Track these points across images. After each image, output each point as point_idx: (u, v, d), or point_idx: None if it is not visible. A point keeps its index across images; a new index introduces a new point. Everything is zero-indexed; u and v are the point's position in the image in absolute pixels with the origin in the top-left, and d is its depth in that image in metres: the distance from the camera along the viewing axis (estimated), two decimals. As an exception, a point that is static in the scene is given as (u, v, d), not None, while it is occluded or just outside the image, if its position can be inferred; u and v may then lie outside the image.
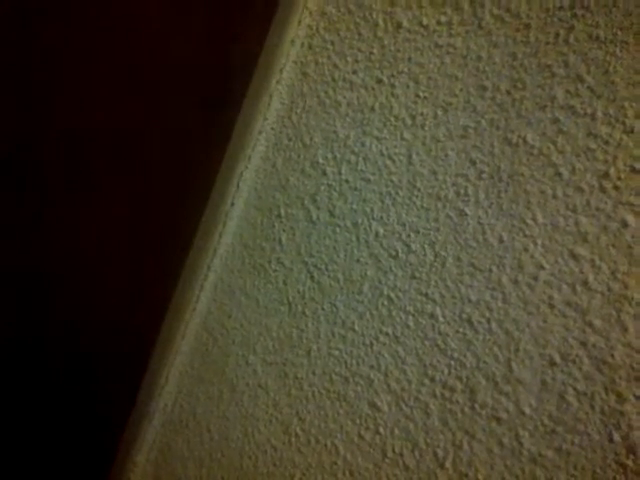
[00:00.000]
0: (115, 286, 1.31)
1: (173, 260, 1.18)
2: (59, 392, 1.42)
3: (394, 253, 0.88)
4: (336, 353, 0.93)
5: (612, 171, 0.69)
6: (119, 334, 1.30)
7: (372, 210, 0.90)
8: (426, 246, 0.85)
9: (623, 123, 0.69)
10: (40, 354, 1.46)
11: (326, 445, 0.93)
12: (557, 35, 0.74)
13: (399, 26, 0.89)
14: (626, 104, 0.69)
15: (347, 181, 0.93)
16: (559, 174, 0.73)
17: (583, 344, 0.71)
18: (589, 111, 0.72)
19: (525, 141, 0.76)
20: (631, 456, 0.67)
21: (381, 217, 0.89)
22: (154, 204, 1.24)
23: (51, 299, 1.43)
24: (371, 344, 0.89)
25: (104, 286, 1.33)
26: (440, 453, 0.82)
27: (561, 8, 0.74)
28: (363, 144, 0.92)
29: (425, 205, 0.85)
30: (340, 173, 0.94)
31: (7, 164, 1.52)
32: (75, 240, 1.38)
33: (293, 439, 0.97)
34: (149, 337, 1.20)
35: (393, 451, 0.86)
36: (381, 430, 0.87)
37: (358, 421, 0.90)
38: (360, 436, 0.90)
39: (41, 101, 1.47)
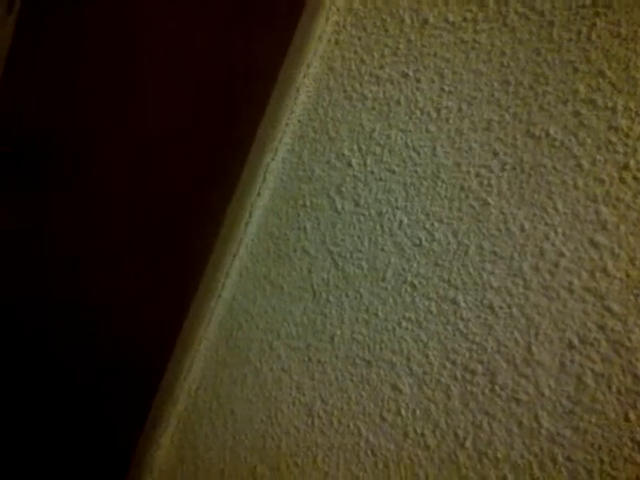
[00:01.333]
0: (143, 273, 1.35)
1: (200, 248, 1.21)
2: (82, 378, 1.47)
3: (418, 242, 0.91)
4: (359, 338, 0.97)
5: (632, 163, 0.72)
6: (145, 320, 1.34)
7: (396, 200, 0.94)
8: (449, 235, 0.88)
9: (643, 116, 0.72)
10: (62, 338, 1.50)
11: (349, 426, 0.97)
12: (580, 32, 0.78)
13: (425, 22, 0.92)
14: (646, 98, 0.72)
15: (372, 172, 0.97)
16: (580, 165, 0.76)
17: (601, 328, 0.74)
18: (610, 105, 0.75)
19: (547, 134, 0.79)
20: (647, 434, 0.70)
21: (405, 207, 0.93)
22: (182, 193, 1.28)
23: (76, 282, 1.48)
24: (394, 329, 0.93)
25: (132, 271, 1.37)
26: (460, 433, 0.85)
27: (584, 6, 0.77)
28: (388, 136, 0.95)
29: (449, 195, 0.88)
30: (365, 164, 0.98)
31: (16, 164, 1.57)
32: (97, 228, 1.43)
33: (316, 421, 1.01)
34: (175, 323, 1.24)
35: (415, 432, 0.89)
36: (403, 412, 0.91)
37: (380, 403, 0.93)
38: (382, 417, 0.93)
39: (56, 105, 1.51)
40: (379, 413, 0.93)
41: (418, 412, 0.89)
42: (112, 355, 1.41)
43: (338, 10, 1.03)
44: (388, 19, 0.96)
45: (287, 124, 1.08)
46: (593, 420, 0.74)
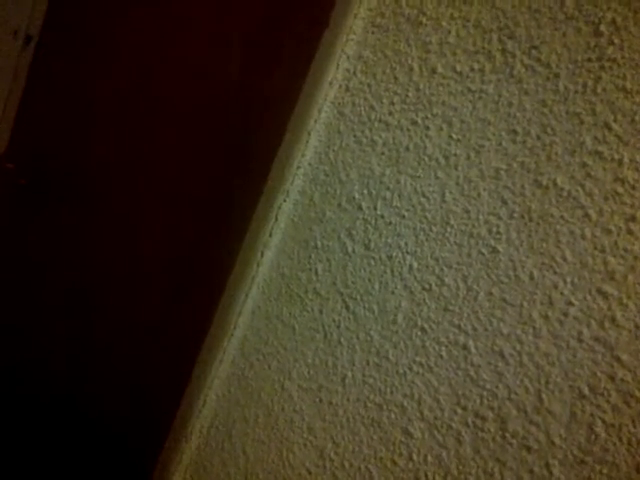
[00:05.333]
0: (157, 312, 1.37)
1: (213, 288, 1.23)
2: (93, 415, 1.48)
3: (428, 286, 0.92)
4: (370, 381, 0.97)
5: (639, 215, 0.74)
6: (158, 360, 1.35)
7: (406, 244, 0.95)
8: (459, 280, 0.89)
9: (649, 170, 0.74)
10: (76, 372, 1.51)
11: (360, 469, 0.97)
12: (585, 85, 0.79)
13: (434, 71, 0.94)
14: (652, 152, 0.74)
15: (382, 216, 0.98)
16: (588, 216, 0.78)
17: (611, 378, 0.74)
18: (616, 157, 0.76)
19: (555, 184, 0.81)
20: (658, 487, 0.70)
21: (415, 251, 0.94)
22: (195, 233, 1.30)
23: (88, 315, 1.49)
24: (405, 373, 0.94)
25: (147, 310, 1.39)
26: (472, 480, 0.85)
27: (589, 60, 0.79)
28: (398, 181, 0.97)
29: (458, 241, 0.89)
30: (375, 208, 0.99)
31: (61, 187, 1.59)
32: (110, 262, 1.45)
33: (327, 463, 1.01)
34: (188, 362, 1.25)
35: (426, 477, 0.90)
36: (414, 456, 0.91)
37: (392, 447, 0.94)
38: (393, 462, 0.93)
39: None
40: (390, 457, 0.94)
41: (430, 457, 0.89)
42: (124, 394, 1.42)
43: (348, 57, 1.05)
44: (397, 67, 0.99)
45: (299, 167, 1.11)
46: (605, 471, 0.74)
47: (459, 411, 0.87)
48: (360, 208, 1.02)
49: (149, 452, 1.33)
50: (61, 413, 1.55)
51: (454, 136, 0.91)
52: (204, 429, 1.22)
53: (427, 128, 0.95)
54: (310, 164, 1.10)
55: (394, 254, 0.97)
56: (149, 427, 1.35)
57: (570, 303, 0.78)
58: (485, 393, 0.85)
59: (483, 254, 0.87)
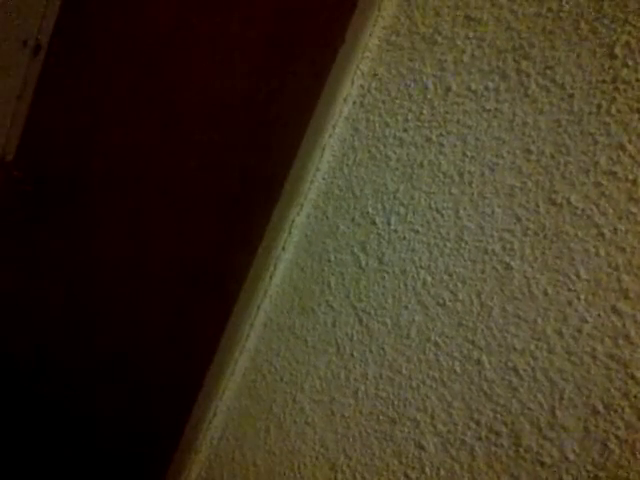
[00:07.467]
0: (168, 322, 1.37)
1: (225, 299, 1.24)
2: (102, 426, 1.48)
3: (441, 301, 0.93)
4: (383, 394, 0.98)
5: (653, 234, 0.75)
6: (170, 370, 1.36)
7: (420, 259, 0.96)
8: (473, 296, 0.90)
9: (664, 190, 0.75)
10: (85, 381, 1.52)
11: (372, 483, 0.98)
12: (600, 106, 0.81)
13: (448, 89, 0.96)
14: (666, 173, 0.75)
15: (396, 231, 1.00)
16: (602, 234, 0.79)
17: (625, 395, 0.75)
18: (630, 177, 0.77)
19: (569, 202, 0.82)
20: (673, 503, 0.71)
21: (429, 266, 0.95)
22: (207, 247, 1.32)
23: (96, 325, 1.50)
24: (418, 387, 0.94)
25: (157, 320, 1.40)
26: (485, 494, 0.86)
27: (604, 81, 0.81)
28: (412, 197, 0.98)
29: (472, 257, 0.91)
30: (389, 223, 1.01)
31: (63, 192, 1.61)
32: (118, 271, 1.46)
33: (339, 476, 1.02)
34: (199, 372, 1.26)
35: (439, 491, 0.90)
36: (427, 470, 0.92)
37: (404, 461, 0.95)
38: (406, 475, 0.94)
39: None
40: (403, 471, 0.95)
41: (442, 471, 0.90)
42: (132, 404, 1.43)
43: (363, 74, 1.07)
44: (412, 85, 1.00)
45: (312, 181, 1.12)
46: (618, 487, 0.75)
47: (473, 426, 0.88)
48: (374, 223, 1.03)
49: (158, 463, 1.33)
50: (68, 424, 1.56)
51: (468, 154, 0.93)
52: (214, 440, 1.23)
53: (441, 145, 0.96)
54: (324, 179, 1.11)
55: (408, 269, 0.98)
56: (158, 438, 1.36)
57: (584, 320, 0.79)
58: (499, 408, 0.86)
59: (497, 270, 0.88)
